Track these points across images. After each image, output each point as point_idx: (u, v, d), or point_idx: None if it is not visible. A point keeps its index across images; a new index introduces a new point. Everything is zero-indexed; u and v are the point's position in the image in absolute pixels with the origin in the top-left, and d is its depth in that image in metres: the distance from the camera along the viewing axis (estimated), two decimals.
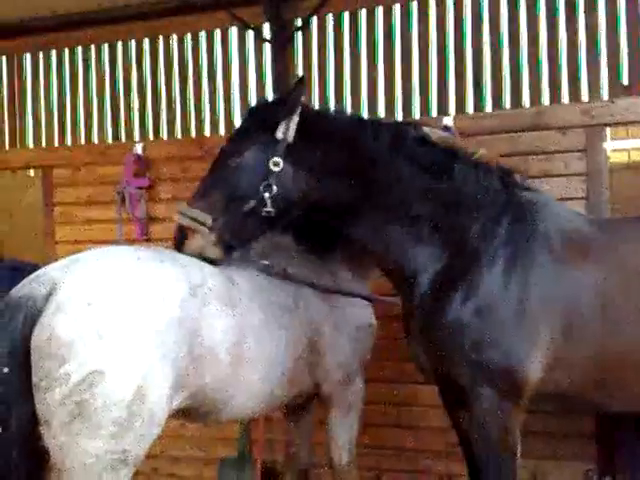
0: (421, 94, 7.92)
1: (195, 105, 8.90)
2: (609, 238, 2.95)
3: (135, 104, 8.99)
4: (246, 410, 3.27)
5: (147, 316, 2.80)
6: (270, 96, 8.51)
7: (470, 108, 7.24)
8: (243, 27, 8.78)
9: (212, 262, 3.18)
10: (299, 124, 3.15)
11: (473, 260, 2.86)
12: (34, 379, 2.68)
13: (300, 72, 8.41)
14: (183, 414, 3.08)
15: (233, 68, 8.89)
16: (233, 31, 8.96)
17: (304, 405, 3.63)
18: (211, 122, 8.83)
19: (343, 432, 3.54)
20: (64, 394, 2.66)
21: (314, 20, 8.46)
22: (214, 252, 3.19)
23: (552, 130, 3.90)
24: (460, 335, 2.89)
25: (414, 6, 8.14)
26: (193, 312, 2.93)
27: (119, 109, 8.80)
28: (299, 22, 8.50)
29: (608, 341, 2.89)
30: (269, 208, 3.16)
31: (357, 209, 3.10)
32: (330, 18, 8.44)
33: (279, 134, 3.17)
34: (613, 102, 4.12)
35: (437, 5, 7.94)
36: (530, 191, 3.04)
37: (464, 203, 2.97)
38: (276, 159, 3.15)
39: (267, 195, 3.14)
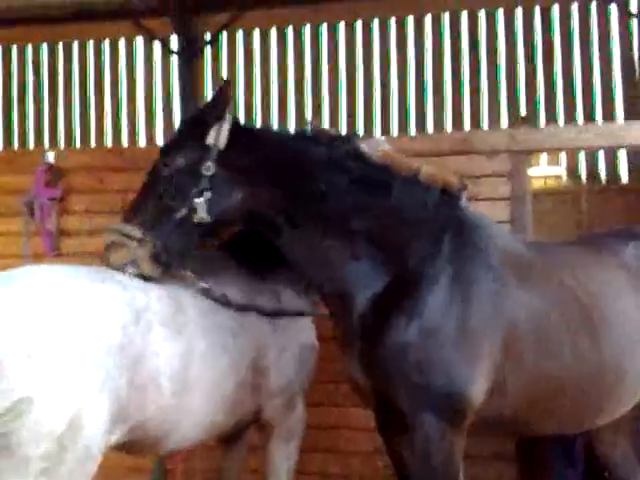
0: (331, 116, 8.02)
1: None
2: (546, 261, 3.03)
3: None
4: (188, 440, 3.01)
5: (85, 339, 2.53)
6: (177, 109, 8.39)
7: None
8: (149, 38, 8.57)
9: (145, 278, 2.94)
10: (230, 131, 3.01)
11: (415, 279, 2.83)
12: None
13: (209, 86, 8.30)
14: (119, 447, 2.79)
15: (138, 78, 8.62)
16: (139, 41, 8.70)
17: (241, 431, 3.42)
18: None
19: (283, 460, 3.34)
20: None
21: (224, 35, 8.36)
22: (148, 267, 2.94)
23: (478, 155, 3.99)
24: (403, 357, 2.76)
25: (324, 28, 8.22)
26: (136, 338, 2.68)
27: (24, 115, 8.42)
28: (209, 36, 8.37)
29: (545, 364, 2.87)
30: (202, 214, 2.94)
31: (291, 220, 2.97)
32: (241, 34, 8.37)
33: (210, 140, 2.96)
34: (538, 129, 4.25)
35: (345, 27, 8.07)
36: (468, 211, 3.04)
37: (403, 220, 2.90)
38: (208, 164, 2.94)
39: (199, 201, 2.94)
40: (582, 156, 7.36)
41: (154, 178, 3.01)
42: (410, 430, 2.80)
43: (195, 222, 2.93)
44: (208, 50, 8.42)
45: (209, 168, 2.93)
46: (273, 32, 8.31)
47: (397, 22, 7.93)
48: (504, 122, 7.49)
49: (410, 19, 7.91)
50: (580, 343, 2.87)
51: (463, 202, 3.02)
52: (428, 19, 7.87)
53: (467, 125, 7.48)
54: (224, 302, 3.06)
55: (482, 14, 7.74)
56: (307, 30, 8.24)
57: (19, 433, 2.36)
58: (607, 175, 7.42)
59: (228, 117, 2.99)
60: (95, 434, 2.51)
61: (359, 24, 8.01)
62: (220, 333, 3.01)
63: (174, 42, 8.52)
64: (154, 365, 2.71)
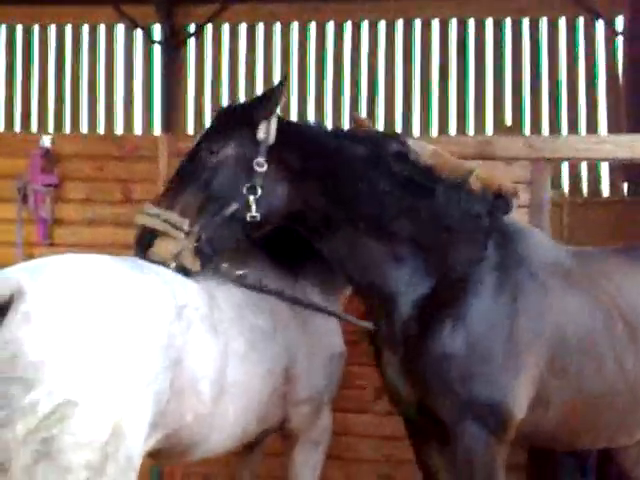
0: (317, 109, 7.99)
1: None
2: (588, 271, 3.01)
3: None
4: (220, 448, 2.81)
5: (131, 339, 2.34)
6: (158, 98, 8.20)
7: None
8: (131, 26, 8.37)
9: (186, 272, 2.76)
10: (278, 126, 2.91)
11: (460, 287, 2.76)
12: None
13: (192, 78, 8.16)
14: (149, 455, 2.58)
15: (118, 66, 8.41)
16: (120, 28, 8.49)
17: (263, 439, 3.23)
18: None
19: (307, 472, 3.19)
20: (29, 428, 2.13)
21: (209, 27, 8.21)
22: (190, 261, 2.77)
23: (498, 160, 3.97)
24: (448, 367, 2.69)
25: (312, 26, 8.16)
26: (178, 338, 2.49)
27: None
28: (193, 27, 8.22)
29: (589, 379, 2.82)
30: (254, 212, 2.80)
31: (335, 221, 2.87)
32: (227, 27, 8.23)
33: (260, 134, 2.82)
34: (557, 137, 4.24)
35: (335, 26, 8.04)
36: (511, 218, 3.00)
37: (447, 225, 2.84)
38: (260, 159, 2.81)
39: (252, 198, 2.81)
40: (565, 168, 7.45)
41: (197, 165, 2.84)
42: (452, 441, 2.73)
43: (247, 219, 2.79)
44: (192, 41, 8.27)
45: (262, 164, 2.80)
46: (260, 27, 8.20)
47: (387, 25, 7.92)
48: (489, 129, 7.55)
49: (400, 22, 7.91)
50: (624, 358, 2.83)
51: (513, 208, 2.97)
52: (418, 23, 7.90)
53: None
54: (261, 289, 2.90)
55: (471, 22, 7.79)
56: (295, 27, 8.16)
57: (61, 439, 2.17)
58: (589, 188, 7.54)
59: (277, 111, 2.89)
60: (137, 442, 2.32)
61: (349, 24, 7.97)
62: (255, 334, 2.85)
63: (156, 31, 8.35)
64: (193, 368, 2.53)
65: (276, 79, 8.11)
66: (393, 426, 3.96)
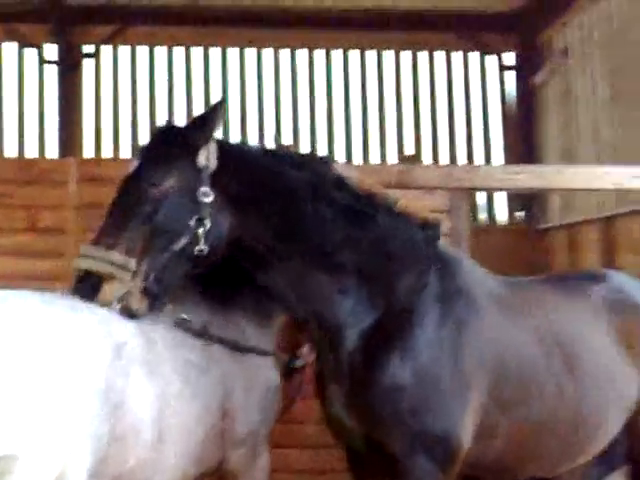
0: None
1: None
2: (523, 300, 3.04)
3: None
4: None
5: (70, 382, 2.17)
6: (56, 119, 7.85)
7: None
8: (23, 44, 8.01)
9: (131, 315, 2.57)
10: (217, 151, 2.78)
11: (405, 318, 2.73)
12: None
13: (90, 98, 7.88)
14: None
15: (9, 86, 8.01)
16: (11, 47, 8.10)
17: None
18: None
19: None
20: None
21: (108, 49, 7.98)
22: (137, 302, 2.58)
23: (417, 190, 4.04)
24: (398, 398, 2.64)
25: (216, 52, 8.08)
26: (118, 380, 2.33)
27: None
28: (91, 48, 7.96)
29: (530, 407, 2.82)
30: (202, 246, 2.66)
31: (280, 251, 2.79)
32: (126, 49, 8.02)
33: (202, 160, 2.69)
34: (475, 167, 4.35)
35: (240, 52, 8.02)
36: (445, 246, 3.02)
37: (389, 253, 2.82)
38: (204, 189, 2.66)
39: (201, 231, 2.66)
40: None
41: (137, 197, 2.65)
42: (401, 474, 2.68)
43: (195, 253, 2.64)
44: (90, 62, 8.00)
45: (208, 194, 2.64)
46: (161, 50, 8.05)
47: (290, 53, 7.97)
48: (393, 159, 7.72)
49: (302, 52, 7.97)
50: (563, 385, 2.88)
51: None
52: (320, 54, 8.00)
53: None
54: (204, 335, 2.76)
55: (373, 54, 7.96)
56: (197, 51, 8.06)
57: None
58: (488, 215, 7.83)
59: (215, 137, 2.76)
60: None
61: (253, 51, 7.96)
62: (190, 373, 2.70)
63: (50, 51, 8.01)
64: (134, 411, 2.37)
65: (179, 102, 7.98)
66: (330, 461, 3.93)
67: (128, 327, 2.49)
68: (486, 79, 7.96)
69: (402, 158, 7.67)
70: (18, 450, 2.00)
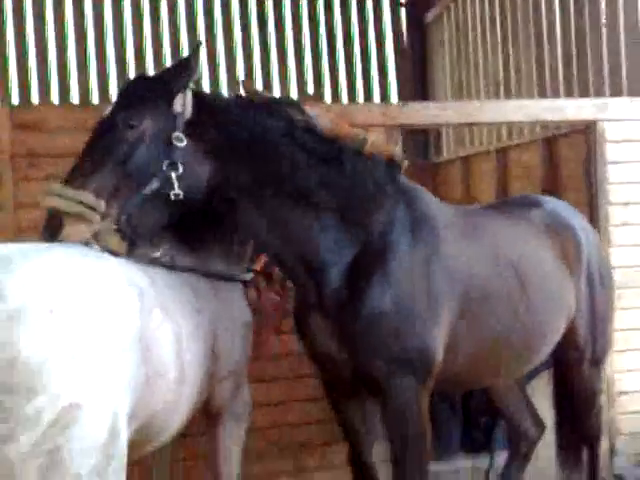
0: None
1: None
2: (477, 225, 3.27)
3: None
4: (170, 437, 2.70)
5: (116, 329, 2.18)
6: None
7: None
8: None
9: (113, 254, 2.58)
10: (194, 99, 2.81)
11: (382, 250, 2.94)
12: None
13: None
14: None
15: None
16: None
17: None
18: None
19: (234, 446, 3.12)
20: (35, 441, 1.93)
21: None
22: (115, 243, 2.59)
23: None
24: (381, 326, 2.87)
25: None
26: (145, 324, 2.34)
27: None
28: None
29: (490, 324, 3.11)
30: (177, 190, 2.69)
31: (259, 195, 2.88)
32: None
33: (177, 107, 2.71)
34: (407, 105, 4.47)
35: None
36: (406, 180, 3.21)
37: (359, 192, 2.97)
38: (178, 134, 2.70)
39: (174, 175, 2.69)
40: None
41: (113, 139, 2.65)
42: (385, 394, 2.93)
43: (172, 198, 2.69)
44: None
45: (181, 139, 2.69)
46: None
47: None
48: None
49: None
50: (517, 301, 3.21)
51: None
52: None
53: None
54: (173, 266, 2.80)
55: None
56: None
57: (68, 447, 1.98)
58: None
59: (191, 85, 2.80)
60: (125, 439, 2.18)
61: None
62: (191, 311, 2.78)
63: None
64: (159, 353, 2.40)
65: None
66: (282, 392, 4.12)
67: (138, 271, 2.53)
68: (382, 16, 8.16)
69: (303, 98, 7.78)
70: (82, 398, 2.01)
